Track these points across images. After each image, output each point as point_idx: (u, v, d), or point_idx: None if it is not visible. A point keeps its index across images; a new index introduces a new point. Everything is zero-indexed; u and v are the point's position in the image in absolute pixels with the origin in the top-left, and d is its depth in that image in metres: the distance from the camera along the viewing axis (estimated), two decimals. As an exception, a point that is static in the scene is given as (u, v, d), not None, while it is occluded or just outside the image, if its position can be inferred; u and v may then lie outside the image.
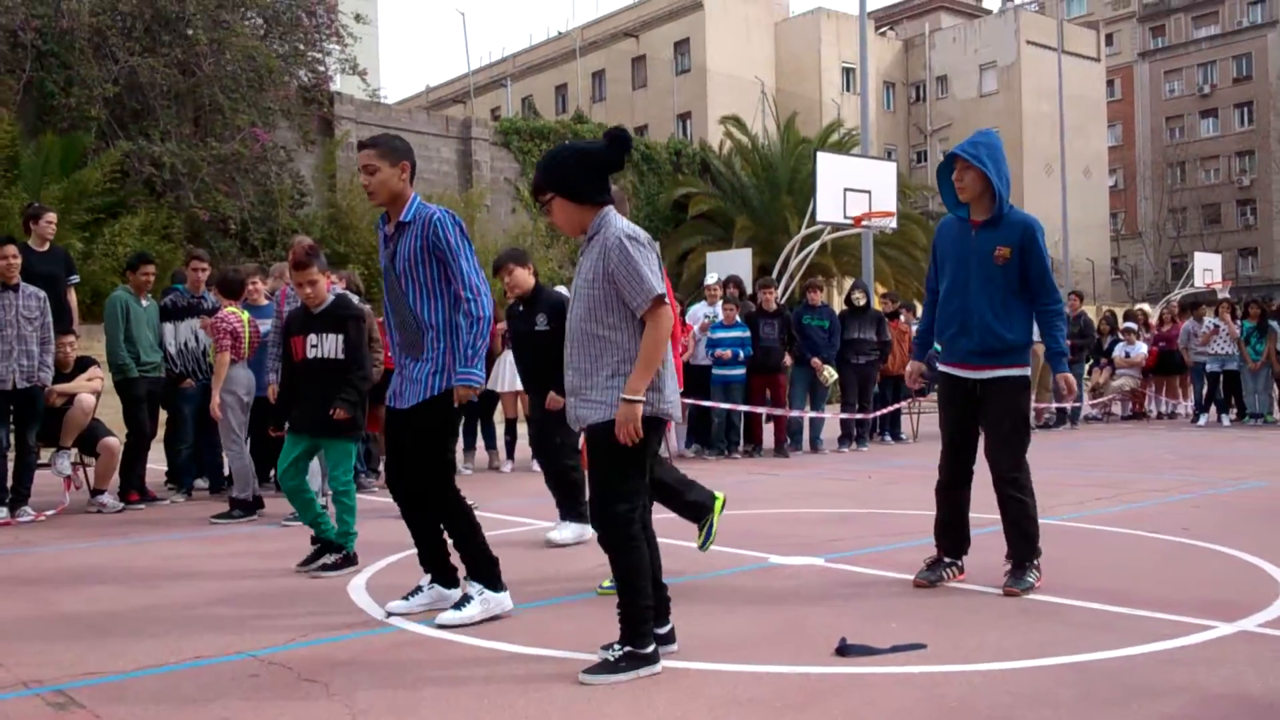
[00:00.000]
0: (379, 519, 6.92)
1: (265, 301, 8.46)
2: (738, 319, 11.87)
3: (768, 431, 12.41)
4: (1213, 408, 15.88)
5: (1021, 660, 3.70)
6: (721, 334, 11.84)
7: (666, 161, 27.87)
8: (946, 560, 5.09)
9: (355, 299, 7.57)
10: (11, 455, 7.69)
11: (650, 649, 3.63)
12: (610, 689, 3.45)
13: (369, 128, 23.04)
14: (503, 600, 4.47)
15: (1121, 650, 3.79)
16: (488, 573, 4.46)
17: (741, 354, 11.74)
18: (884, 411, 13.50)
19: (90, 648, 4.08)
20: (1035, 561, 4.90)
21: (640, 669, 3.57)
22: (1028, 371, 4.99)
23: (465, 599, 4.41)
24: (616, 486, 3.66)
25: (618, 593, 3.69)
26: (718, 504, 5.09)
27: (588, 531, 6.09)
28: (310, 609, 4.63)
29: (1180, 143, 58.21)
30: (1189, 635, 3.99)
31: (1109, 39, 56.94)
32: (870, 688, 3.44)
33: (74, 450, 8.21)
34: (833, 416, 12.88)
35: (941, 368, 5.12)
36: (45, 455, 8.16)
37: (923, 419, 14.97)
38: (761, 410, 12.10)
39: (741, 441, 12.18)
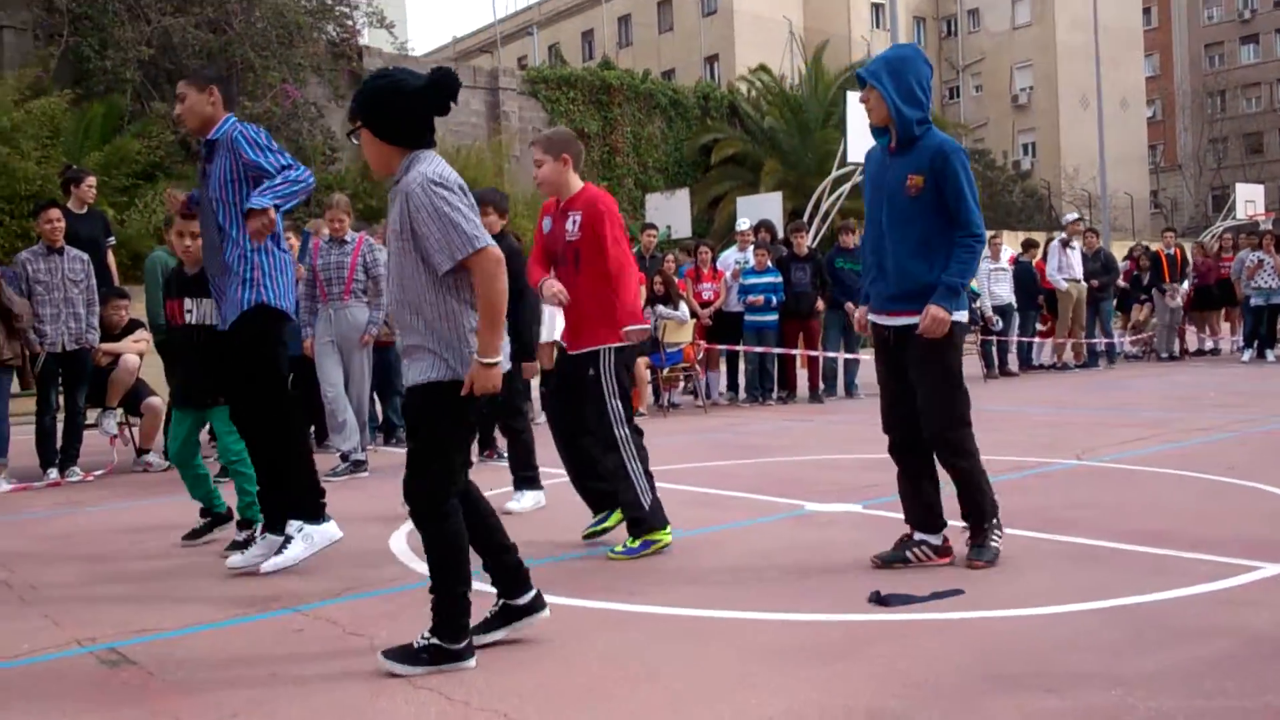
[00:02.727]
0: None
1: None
2: (769, 264, 11.80)
3: (801, 377, 12.37)
4: (1256, 343, 15.62)
5: (1063, 605, 3.68)
6: (754, 279, 11.78)
7: (694, 106, 27.61)
8: (917, 538, 4.36)
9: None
10: (61, 417, 7.82)
11: (462, 645, 3.25)
12: (650, 641, 3.48)
13: (397, 81, 22.99)
14: (329, 530, 4.52)
15: (1166, 593, 3.77)
16: (313, 506, 4.50)
17: (774, 299, 11.68)
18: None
19: (140, 606, 4.16)
20: (994, 522, 4.33)
21: (443, 664, 3.22)
22: (958, 317, 4.26)
23: (286, 540, 4.47)
24: (438, 458, 3.31)
25: (431, 576, 3.33)
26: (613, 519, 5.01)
27: (541, 499, 5.98)
28: (353, 564, 4.69)
29: (1220, 70, 56.77)
30: (1235, 576, 3.96)
31: (1146, -35, 55.53)
32: (910, 635, 3.45)
33: (119, 410, 8.33)
34: (868, 360, 12.78)
35: (869, 316, 4.52)
36: (92, 416, 8.30)
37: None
38: (795, 352, 12.06)
39: (775, 388, 12.16)
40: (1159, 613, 3.58)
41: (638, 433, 4.84)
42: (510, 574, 3.51)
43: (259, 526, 4.84)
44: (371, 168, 3.49)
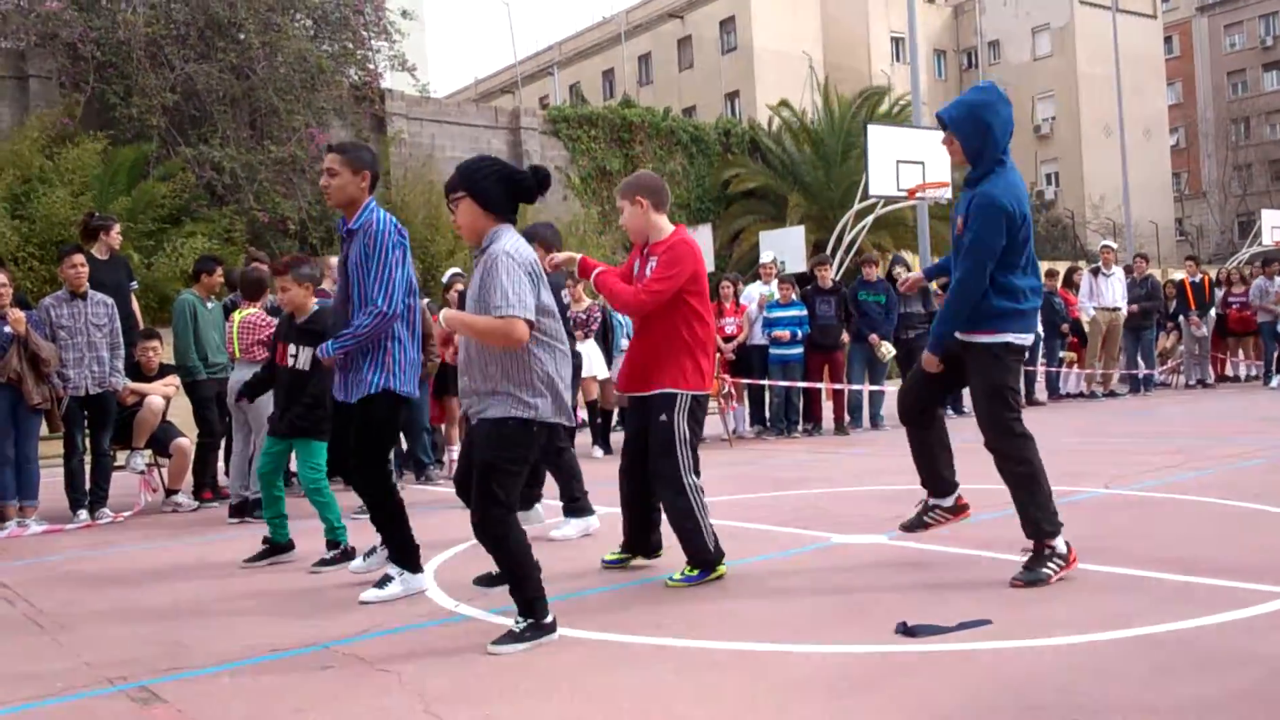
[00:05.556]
0: (444, 510, 7.02)
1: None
2: (794, 297, 11.82)
3: (827, 410, 12.36)
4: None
5: (1091, 633, 3.66)
6: (779, 313, 11.80)
7: (715, 142, 27.75)
8: (931, 503, 4.96)
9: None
10: (88, 459, 7.91)
11: (549, 619, 3.91)
12: (676, 675, 3.48)
13: (420, 122, 23.27)
14: (420, 581, 4.88)
15: (1195, 621, 3.74)
16: (408, 558, 4.86)
17: (799, 333, 11.70)
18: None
19: (171, 644, 4.19)
20: (1052, 549, 4.46)
21: (541, 637, 3.86)
22: (1009, 338, 4.53)
23: (386, 579, 4.81)
24: (501, 483, 3.88)
25: (508, 576, 3.94)
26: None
27: (592, 524, 6.17)
28: (381, 601, 4.71)
29: (1243, 98, 56.58)
30: (1264, 604, 3.92)
31: (1165, -6, 55.52)
32: (937, 666, 3.43)
33: (148, 451, 8.41)
34: (893, 391, 12.76)
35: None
36: (121, 458, 8.38)
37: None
38: (821, 385, 12.05)
39: (801, 421, 12.14)
40: (1188, 641, 3.55)
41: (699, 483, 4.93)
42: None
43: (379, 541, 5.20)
44: (463, 232, 4.10)
